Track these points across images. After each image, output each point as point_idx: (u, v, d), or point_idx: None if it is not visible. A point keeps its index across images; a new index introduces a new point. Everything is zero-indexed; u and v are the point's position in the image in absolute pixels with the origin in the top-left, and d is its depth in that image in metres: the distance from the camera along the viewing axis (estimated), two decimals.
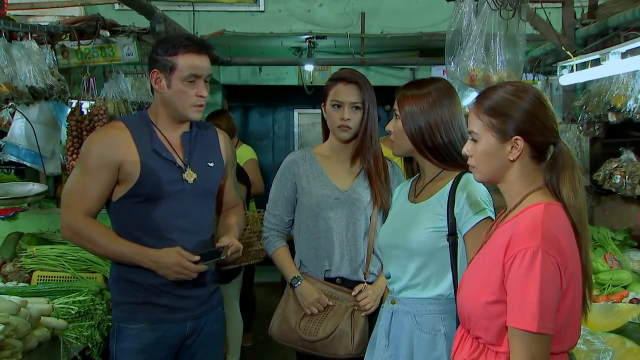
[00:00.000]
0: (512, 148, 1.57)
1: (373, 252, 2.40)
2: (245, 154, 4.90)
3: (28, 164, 3.77)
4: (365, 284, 2.40)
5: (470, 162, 1.67)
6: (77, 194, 2.16)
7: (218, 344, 2.37)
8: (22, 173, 4.11)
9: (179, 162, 2.22)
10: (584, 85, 3.63)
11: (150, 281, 2.17)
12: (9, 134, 3.73)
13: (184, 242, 2.16)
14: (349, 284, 2.42)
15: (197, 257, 2.14)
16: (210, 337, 2.31)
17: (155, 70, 2.19)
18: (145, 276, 2.16)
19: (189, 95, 2.17)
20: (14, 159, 3.74)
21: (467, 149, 1.67)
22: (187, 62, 2.15)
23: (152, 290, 2.18)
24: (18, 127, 3.69)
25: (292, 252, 2.54)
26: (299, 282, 2.43)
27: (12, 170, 4.06)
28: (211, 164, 2.30)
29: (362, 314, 2.38)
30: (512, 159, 1.58)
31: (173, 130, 2.24)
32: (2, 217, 3.48)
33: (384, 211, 2.37)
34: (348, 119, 2.40)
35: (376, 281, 2.41)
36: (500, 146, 1.59)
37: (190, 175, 2.22)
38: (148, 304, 2.19)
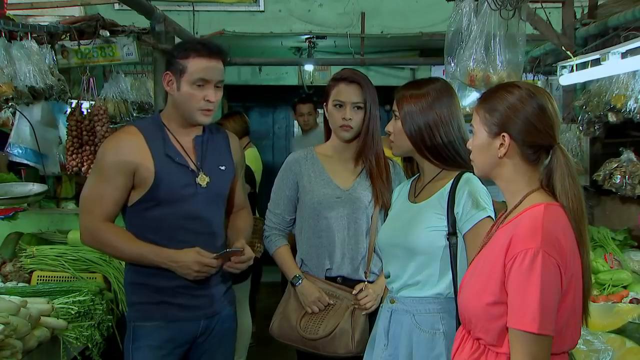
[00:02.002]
0: (500, 145, 1.58)
1: (374, 251, 2.40)
2: (250, 157, 4.87)
3: (32, 164, 3.77)
4: (366, 283, 2.40)
5: (471, 155, 1.69)
6: (95, 199, 2.19)
7: (229, 342, 2.40)
8: (21, 173, 4.10)
9: (192, 166, 2.24)
10: (584, 85, 3.63)
11: (166, 284, 2.19)
12: (13, 135, 3.73)
13: (198, 245, 2.19)
14: (349, 282, 2.42)
15: (215, 255, 2.17)
16: (222, 335, 2.33)
17: (168, 72, 2.22)
18: (161, 280, 2.19)
19: (196, 99, 2.18)
20: (18, 159, 3.74)
21: (468, 142, 1.70)
22: (197, 66, 2.16)
23: (167, 291, 2.21)
24: (23, 127, 3.69)
25: (294, 251, 2.55)
26: (300, 281, 2.43)
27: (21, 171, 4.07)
28: (223, 168, 2.32)
29: (363, 313, 2.38)
30: (500, 155, 1.59)
31: (186, 134, 2.27)
32: (2, 217, 3.49)
33: (385, 211, 2.38)
34: (350, 119, 2.40)
35: (377, 280, 2.41)
36: (490, 141, 1.60)
37: (203, 179, 2.24)
38: (163, 303, 2.22)
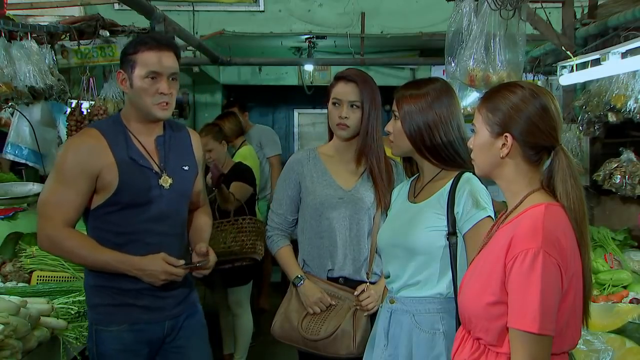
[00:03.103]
0: (502, 145, 1.58)
1: (376, 252, 2.40)
2: (246, 155, 4.88)
3: (30, 164, 3.77)
4: (368, 283, 2.40)
5: (472, 155, 1.68)
6: (55, 204, 2.12)
7: (202, 338, 2.36)
8: (21, 173, 4.10)
9: (156, 168, 2.20)
10: (584, 85, 3.63)
11: (130, 287, 2.15)
12: (12, 134, 3.72)
13: (164, 246, 2.16)
14: (351, 283, 2.41)
15: (182, 262, 2.16)
16: (192, 332, 2.30)
17: (120, 70, 2.17)
18: (124, 283, 2.15)
19: (150, 93, 2.13)
20: (15, 159, 3.74)
21: (469, 141, 1.70)
22: (146, 59, 2.12)
23: (131, 293, 2.17)
24: (23, 127, 3.68)
25: (296, 252, 2.55)
26: (302, 282, 2.43)
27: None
28: (186, 168, 2.29)
29: (364, 314, 2.38)
30: (502, 155, 1.58)
31: (147, 134, 2.22)
32: (2, 217, 3.48)
33: (387, 211, 2.37)
34: (346, 117, 2.39)
35: (378, 281, 2.41)
36: (492, 141, 1.60)
37: (166, 181, 2.20)
38: (126, 305, 2.17)
